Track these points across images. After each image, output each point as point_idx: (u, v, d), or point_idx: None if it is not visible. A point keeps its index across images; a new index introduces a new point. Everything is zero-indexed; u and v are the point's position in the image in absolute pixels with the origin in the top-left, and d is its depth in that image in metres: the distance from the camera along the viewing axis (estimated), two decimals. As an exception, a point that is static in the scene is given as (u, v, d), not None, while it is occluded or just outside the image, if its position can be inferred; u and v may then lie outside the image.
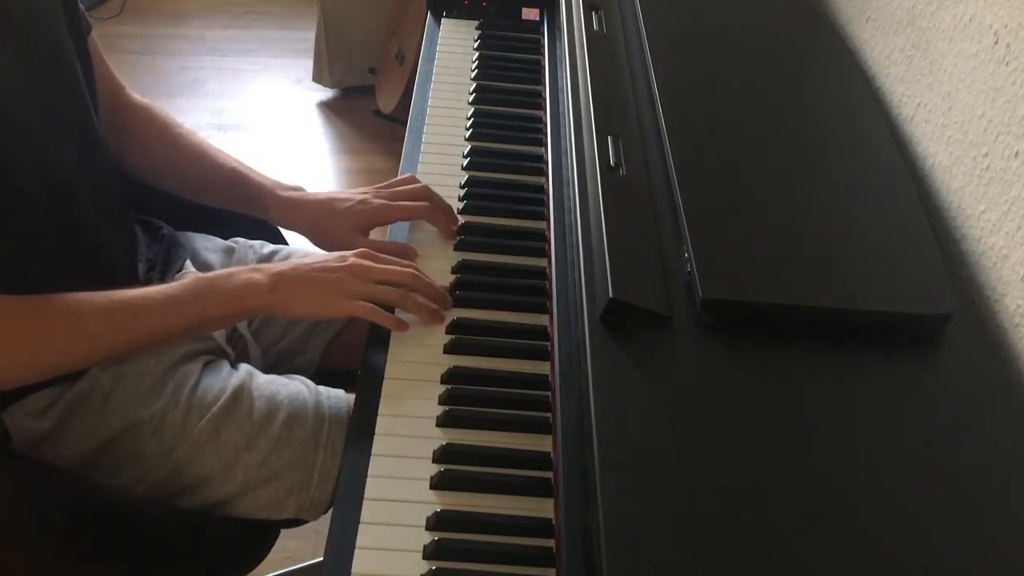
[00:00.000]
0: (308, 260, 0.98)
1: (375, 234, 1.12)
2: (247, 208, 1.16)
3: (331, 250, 1.08)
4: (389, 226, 1.12)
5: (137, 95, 1.18)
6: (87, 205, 0.98)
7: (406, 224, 1.11)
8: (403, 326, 0.96)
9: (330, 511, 0.86)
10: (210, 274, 0.98)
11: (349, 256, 0.97)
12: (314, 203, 1.12)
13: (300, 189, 1.14)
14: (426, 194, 1.09)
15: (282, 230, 1.33)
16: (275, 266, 0.97)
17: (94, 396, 0.96)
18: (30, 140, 0.90)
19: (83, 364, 0.94)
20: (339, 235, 1.09)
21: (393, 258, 0.99)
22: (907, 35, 1.13)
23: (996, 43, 0.94)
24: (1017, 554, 0.69)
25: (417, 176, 1.14)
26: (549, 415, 0.88)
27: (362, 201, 1.09)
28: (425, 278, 0.98)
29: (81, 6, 1.03)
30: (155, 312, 0.93)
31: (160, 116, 1.17)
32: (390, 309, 0.97)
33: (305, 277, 0.95)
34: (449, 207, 1.11)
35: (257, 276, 0.95)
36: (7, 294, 0.86)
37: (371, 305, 0.95)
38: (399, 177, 1.13)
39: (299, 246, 1.27)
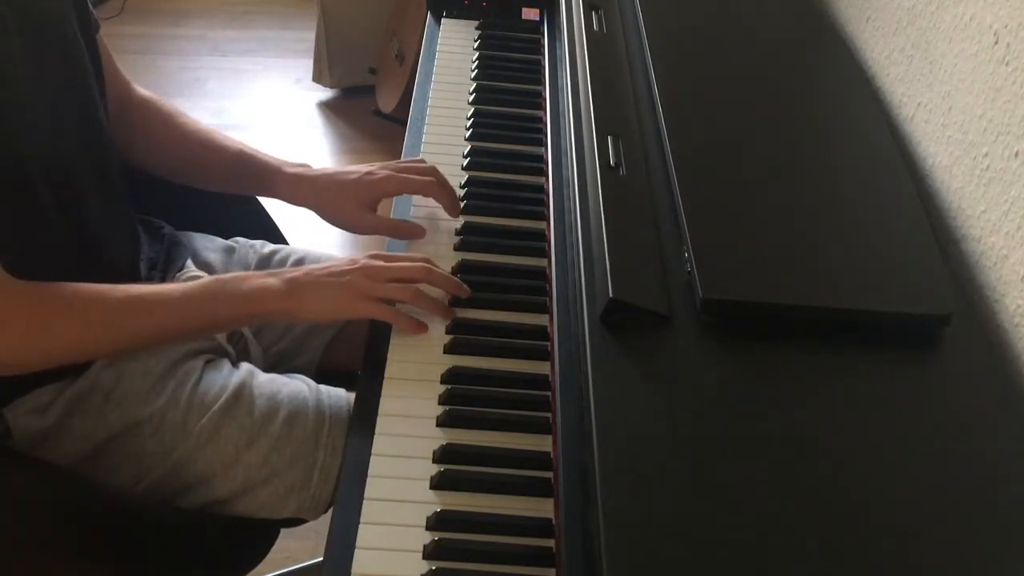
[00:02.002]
0: (320, 265, 0.98)
1: (381, 208, 1.12)
2: (255, 189, 1.17)
3: (339, 225, 1.11)
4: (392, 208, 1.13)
5: (142, 89, 1.18)
6: (93, 203, 0.98)
7: (408, 214, 1.11)
8: (422, 328, 0.96)
9: (330, 511, 0.86)
10: (225, 276, 0.98)
11: (360, 258, 0.97)
12: (320, 177, 1.12)
13: (306, 166, 1.15)
14: (433, 172, 1.10)
15: (282, 229, 1.34)
16: (289, 271, 0.97)
17: (95, 394, 0.96)
18: (40, 136, 0.91)
19: (94, 355, 0.94)
20: (346, 209, 1.09)
21: (404, 255, 1.00)
22: (907, 35, 1.13)
23: (996, 43, 0.94)
24: (1017, 554, 0.69)
25: None
26: (549, 415, 0.88)
27: (368, 173, 1.10)
28: (438, 271, 0.98)
29: (90, 5, 1.04)
30: (169, 309, 0.93)
31: (165, 107, 1.18)
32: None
33: (318, 281, 0.95)
34: (453, 190, 1.11)
35: (272, 281, 0.95)
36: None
37: (388, 307, 0.95)
38: (408, 158, 1.14)
39: (299, 246, 1.27)
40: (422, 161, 1.13)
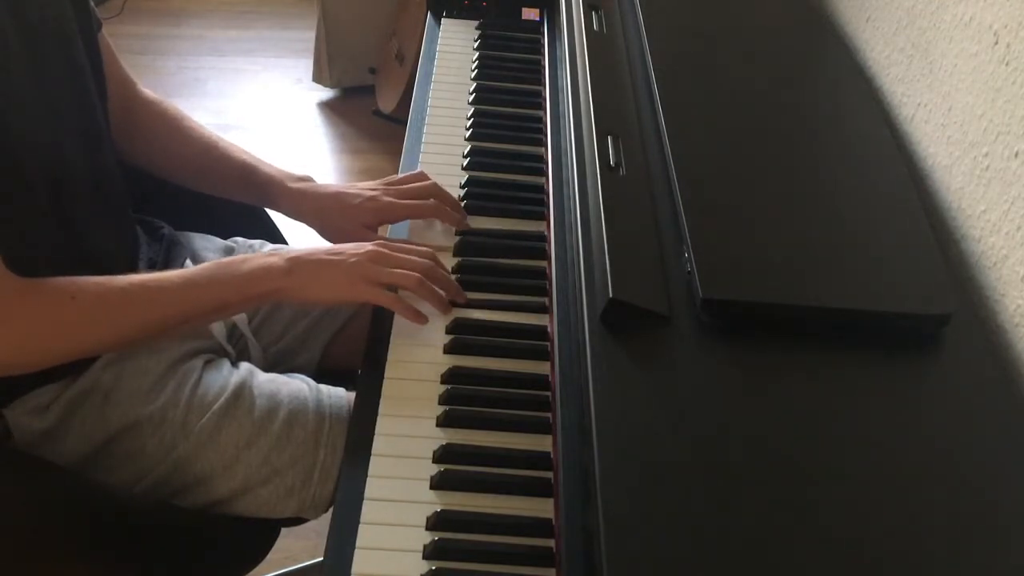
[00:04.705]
0: (324, 247, 0.98)
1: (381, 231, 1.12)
2: (256, 199, 1.17)
3: (339, 244, 1.09)
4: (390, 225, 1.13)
5: (148, 91, 1.18)
6: (89, 202, 0.98)
7: (405, 225, 1.11)
8: (422, 318, 0.96)
9: (330, 511, 0.86)
10: (226, 259, 0.98)
11: (366, 244, 0.97)
12: (323, 196, 1.12)
13: (309, 179, 1.14)
14: (435, 192, 1.10)
15: (282, 230, 1.34)
16: (292, 250, 0.97)
17: (95, 394, 0.96)
18: (37, 136, 0.90)
19: (100, 348, 0.94)
20: (348, 229, 1.09)
21: (409, 247, 1.00)
22: (907, 35, 1.13)
23: (996, 43, 0.94)
24: (1016, 554, 0.69)
25: None
26: (549, 415, 0.88)
27: (372, 198, 1.09)
28: (440, 270, 0.98)
29: (92, 4, 1.03)
30: (172, 296, 0.92)
31: (170, 110, 1.17)
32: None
33: (321, 260, 0.95)
34: (458, 203, 1.11)
35: (273, 259, 0.95)
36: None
37: (390, 293, 0.95)
38: (409, 173, 1.14)
39: (299, 246, 1.27)
40: (423, 176, 1.12)
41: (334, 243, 1.11)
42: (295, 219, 1.14)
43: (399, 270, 0.95)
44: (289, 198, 1.13)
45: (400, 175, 1.14)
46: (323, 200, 1.11)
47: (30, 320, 0.86)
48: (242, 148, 1.17)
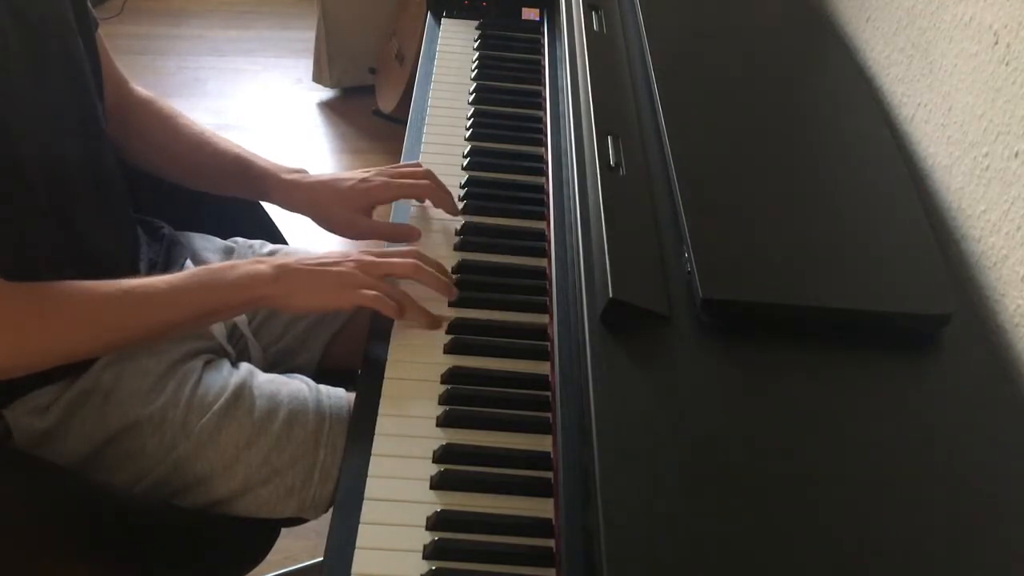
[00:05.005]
0: (311, 255, 0.99)
1: (378, 215, 1.12)
2: (251, 193, 1.17)
3: (335, 231, 1.11)
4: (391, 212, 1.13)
5: (141, 89, 1.18)
6: (89, 202, 0.98)
7: (406, 218, 1.12)
8: (402, 314, 0.96)
9: (330, 511, 0.86)
10: (214, 265, 0.99)
11: (352, 252, 0.98)
12: (316, 184, 1.12)
13: (303, 171, 1.15)
14: (430, 176, 1.10)
15: (281, 229, 1.34)
16: (279, 258, 0.98)
17: (95, 394, 0.96)
18: (37, 136, 0.91)
19: (88, 353, 0.94)
20: (342, 215, 1.09)
21: (396, 250, 1.00)
22: (907, 35, 1.13)
23: (996, 43, 0.94)
24: (1016, 554, 0.69)
25: None
26: (549, 415, 0.88)
27: (364, 180, 1.10)
28: (427, 268, 0.98)
29: (89, 3, 1.04)
30: (159, 301, 0.92)
31: (164, 108, 1.18)
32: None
33: (308, 270, 0.95)
34: (449, 192, 1.11)
35: (261, 266, 0.95)
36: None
37: (374, 292, 0.95)
38: (405, 162, 1.14)
39: (299, 246, 1.27)
40: (418, 165, 1.13)
41: (330, 230, 1.12)
42: (290, 210, 1.14)
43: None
44: (283, 190, 1.13)
45: (397, 163, 1.14)
46: (316, 188, 1.12)
47: (23, 325, 0.86)
48: (236, 143, 1.17)
